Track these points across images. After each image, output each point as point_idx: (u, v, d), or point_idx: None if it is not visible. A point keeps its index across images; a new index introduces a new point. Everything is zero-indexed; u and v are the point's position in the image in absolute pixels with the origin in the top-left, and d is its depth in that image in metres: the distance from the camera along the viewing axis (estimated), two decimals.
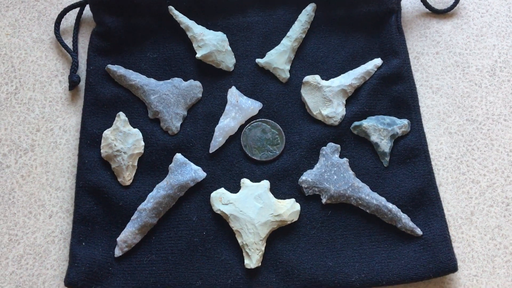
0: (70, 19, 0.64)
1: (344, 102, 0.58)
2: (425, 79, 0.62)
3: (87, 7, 0.63)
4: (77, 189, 0.55)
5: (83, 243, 0.53)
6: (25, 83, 0.61)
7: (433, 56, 0.63)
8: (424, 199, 0.55)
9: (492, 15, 0.65)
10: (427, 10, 0.65)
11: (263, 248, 0.52)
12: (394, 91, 0.59)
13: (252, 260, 0.52)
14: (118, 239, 0.53)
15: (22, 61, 0.62)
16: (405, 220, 0.53)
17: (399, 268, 0.52)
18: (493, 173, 0.58)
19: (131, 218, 0.53)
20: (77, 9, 0.63)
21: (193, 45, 0.60)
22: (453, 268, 0.52)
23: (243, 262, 0.52)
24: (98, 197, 0.55)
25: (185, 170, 0.55)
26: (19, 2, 0.65)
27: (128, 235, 0.53)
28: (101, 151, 0.56)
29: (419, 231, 0.53)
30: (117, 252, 0.53)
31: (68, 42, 0.63)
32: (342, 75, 0.59)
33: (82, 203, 0.54)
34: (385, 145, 0.56)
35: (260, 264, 0.52)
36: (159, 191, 0.54)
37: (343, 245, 0.53)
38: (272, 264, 0.53)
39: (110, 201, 0.54)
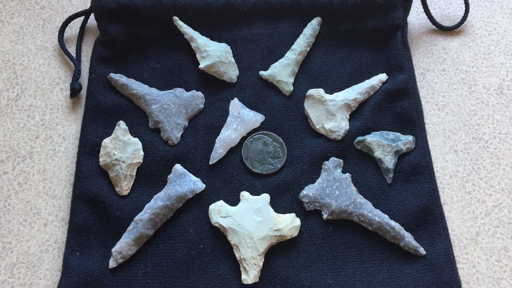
0: (74, 27, 0.64)
1: (348, 117, 0.58)
2: (431, 95, 0.61)
3: (92, 16, 0.63)
4: (73, 197, 0.54)
5: (77, 253, 0.52)
6: (26, 90, 0.61)
7: (440, 73, 0.62)
8: (428, 217, 0.54)
9: (500, 34, 0.64)
10: (434, 27, 0.64)
11: (261, 264, 0.51)
12: (399, 106, 0.58)
13: (250, 276, 0.50)
14: (113, 250, 0.52)
15: (24, 68, 0.62)
16: (408, 238, 0.52)
17: None
18: (499, 193, 0.56)
19: (127, 229, 0.52)
20: (82, 18, 0.63)
21: (197, 55, 0.59)
22: None
23: (240, 277, 0.51)
24: (94, 206, 0.54)
25: (184, 181, 0.54)
26: (24, 10, 0.65)
27: (123, 246, 0.52)
28: (100, 159, 0.55)
29: (422, 251, 0.52)
30: (112, 264, 0.52)
31: (72, 50, 0.63)
32: (346, 89, 0.59)
33: (78, 212, 0.53)
34: (389, 161, 0.55)
35: (257, 280, 0.51)
36: (157, 202, 0.53)
37: (343, 263, 0.52)
38: (270, 281, 0.51)
39: (106, 210, 0.54)
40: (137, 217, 0.53)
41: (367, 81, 0.59)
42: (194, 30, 0.60)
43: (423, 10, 0.64)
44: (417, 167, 0.56)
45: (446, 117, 0.60)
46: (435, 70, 0.62)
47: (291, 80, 0.59)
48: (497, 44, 0.64)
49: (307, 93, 0.58)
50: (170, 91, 0.58)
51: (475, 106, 0.60)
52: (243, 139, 0.57)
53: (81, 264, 0.51)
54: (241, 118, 0.57)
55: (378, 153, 0.55)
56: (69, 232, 0.53)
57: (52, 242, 0.54)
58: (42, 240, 0.54)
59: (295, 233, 0.52)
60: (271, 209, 0.53)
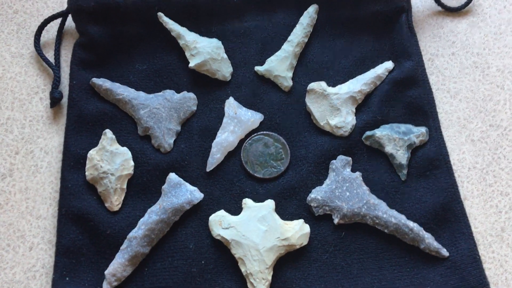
0: (51, 31, 0.61)
1: (354, 110, 0.55)
2: (442, 82, 0.58)
3: (70, 18, 0.60)
4: (60, 216, 0.51)
5: (67, 278, 0.49)
6: (2, 102, 0.57)
7: (449, 57, 0.59)
8: (448, 215, 0.52)
9: (510, 11, 0.61)
10: (440, 8, 0.61)
11: (269, 277, 0.49)
12: (408, 96, 0.56)
13: None
14: (106, 272, 0.49)
15: None
16: (429, 240, 0.50)
17: None
18: None
19: (120, 248, 0.50)
20: (59, 20, 0.60)
21: (186, 54, 0.57)
22: None
23: None
24: (83, 225, 0.51)
25: (180, 192, 0.52)
26: None
27: (117, 267, 0.49)
28: (86, 173, 0.53)
29: (445, 252, 0.50)
30: (106, 287, 0.49)
31: (50, 56, 0.60)
32: (350, 80, 0.57)
33: (65, 232, 0.51)
34: (402, 156, 0.53)
35: None
36: (151, 216, 0.50)
37: (360, 271, 0.50)
38: None
39: (96, 229, 0.51)
40: (130, 235, 0.50)
41: (372, 70, 0.57)
42: (182, 26, 0.58)
43: None
44: (432, 160, 0.53)
45: (460, 105, 0.57)
46: (444, 55, 0.59)
47: (290, 74, 0.57)
48: (508, 22, 0.61)
49: (308, 88, 0.56)
50: (159, 94, 0.56)
51: (490, 91, 0.57)
52: (241, 141, 0.55)
53: None
54: (238, 119, 0.55)
55: (389, 148, 0.53)
56: (57, 255, 0.50)
57: (39, 267, 0.51)
58: (28, 266, 0.51)
59: (305, 241, 0.50)
60: (277, 216, 0.51)
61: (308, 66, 0.58)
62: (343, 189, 0.51)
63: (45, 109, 0.57)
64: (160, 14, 0.57)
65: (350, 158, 0.53)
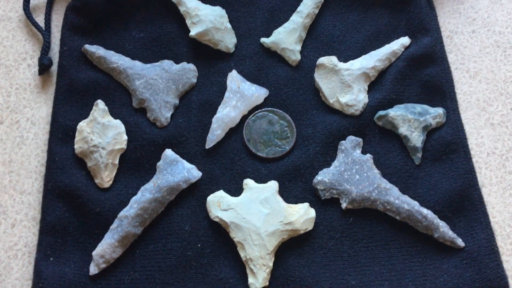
0: None
1: (366, 88, 0.54)
2: (461, 61, 0.56)
3: None
4: (45, 192, 0.51)
5: (51, 258, 0.48)
6: None
7: (469, 35, 0.57)
8: (465, 203, 0.50)
9: None
10: None
11: (271, 264, 0.48)
12: (425, 74, 0.54)
13: (258, 279, 0.47)
14: (94, 253, 0.48)
15: None
16: (444, 228, 0.48)
17: (437, 287, 0.47)
18: None
19: (110, 228, 0.49)
20: None
21: (186, 21, 0.55)
22: (503, 286, 0.47)
23: (247, 281, 0.48)
24: (70, 202, 0.50)
25: (176, 169, 0.50)
26: None
27: (106, 248, 0.48)
28: (75, 146, 0.51)
29: (460, 242, 0.48)
30: (93, 269, 0.48)
31: (40, 20, 0.58)
32: (363, 56, 0.55)
33: (51, 209, 0.50)
34: (417, 139, 0.51)
35: (267, 283, 0.48)
36: (145, 195, 0.49)
37: (368, 260, 0.49)
38: (283, 283, 0.48)
39: (84, 206, 0.50)
40: (121, 214, 0.49)
41: (387, 46, 0.55)
42: None
43: None
44: (449, 144, 0.52)
45: (479, 86, 0.55)
46: (463, 32, 0.57)
47: (298, 47, 0.56)
48: None
49: (318, 62, 0.54)
50: (157, 64, 0.55)
51: None
52: (244, 117, 0.54)
53: (56, 271, 0.48)
54: (241, 94, 0.53)
55: (403, 130, 0.52)
56: (41, 233, 0.49)
57: (22, 245, 0.50)
58: (10, 244, 0.50)
59: (310, 227, 0.49)
60: (280, 199, 0.50)
61: (318, 39, 0.56)
62: (353, 171, 0.50)
63: (33, 77, 0.56)
64: None
65: (360, 139, 0.52)
